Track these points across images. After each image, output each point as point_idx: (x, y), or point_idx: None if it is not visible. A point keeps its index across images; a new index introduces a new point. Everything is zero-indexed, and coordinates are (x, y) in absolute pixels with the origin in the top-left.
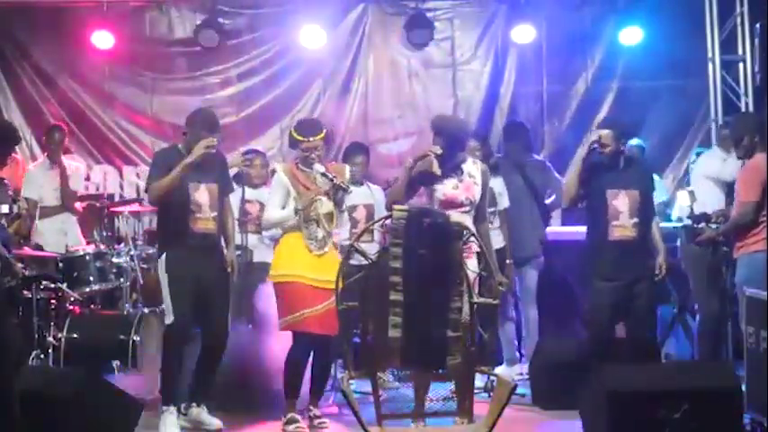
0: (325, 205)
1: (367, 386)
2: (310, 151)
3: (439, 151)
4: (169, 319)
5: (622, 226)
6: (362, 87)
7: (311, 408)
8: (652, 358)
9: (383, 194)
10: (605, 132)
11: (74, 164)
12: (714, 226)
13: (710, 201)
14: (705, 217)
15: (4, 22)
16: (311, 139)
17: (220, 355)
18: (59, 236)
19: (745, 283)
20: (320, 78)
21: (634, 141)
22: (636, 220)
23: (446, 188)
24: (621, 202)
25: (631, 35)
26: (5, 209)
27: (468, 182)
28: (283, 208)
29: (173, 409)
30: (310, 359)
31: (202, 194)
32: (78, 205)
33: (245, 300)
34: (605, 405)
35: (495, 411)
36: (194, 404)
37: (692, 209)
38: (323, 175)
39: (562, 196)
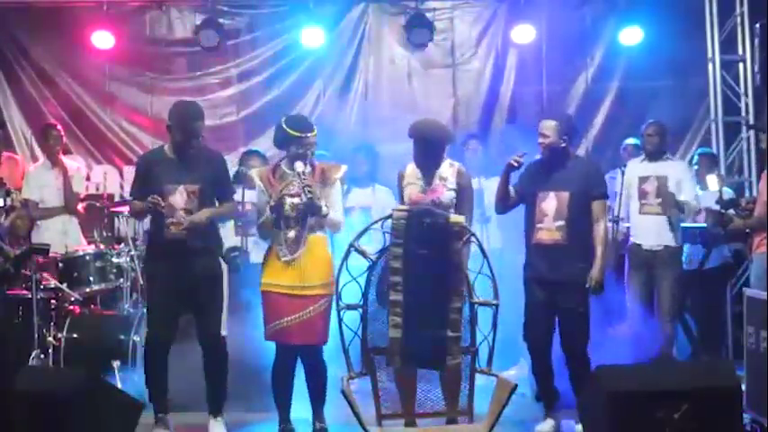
0: (296, 208)
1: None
2: (306, 148)
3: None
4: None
5: (547, 229)
6: (362, 87)
7: (315, 422)
8: (583, 369)
9: (391, 196)
10: (548, 123)
11: (74, 164)
12: (732, 212)
13: None
14: (734, 203)
15: (4, 22)
16: (308, 135)
17: (218, 361)
18: (60, 236)
19: (747, 283)
20: (320, 78)
21: (631, 141)
22: (562, 222)
23: (413, 191)
24: (548, 204)
25: (631, 35)
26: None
27: (437, 184)
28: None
29: (161, 416)
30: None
31: (178, 197)
32: (79, 206)
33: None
34: (605, 405)
35: (495, 411)
36: (211, 415)
37: (721, 193)
38: (298, 175)
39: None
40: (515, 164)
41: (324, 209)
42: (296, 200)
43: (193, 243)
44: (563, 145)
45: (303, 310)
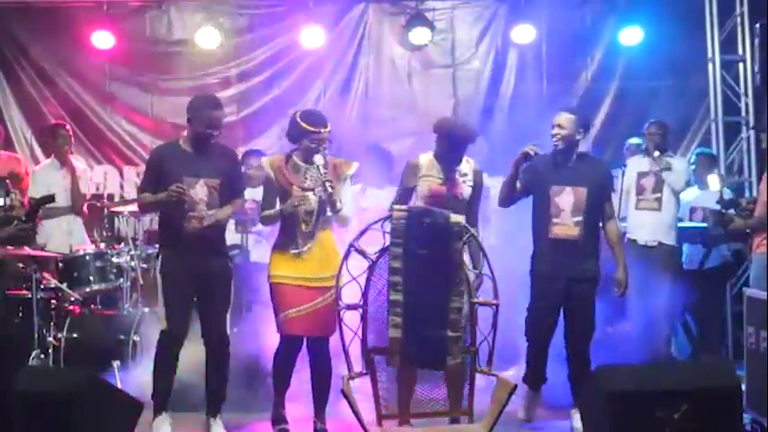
0: (310, 203)
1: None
2: (319, 143)
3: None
4: (163, 325)
5: (564, 224)
6: (362, 87)
7: (316, 421)
8: (583, 369)
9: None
10: (566, 115)
11: (81, 165)
12: (732, 212)
13: None
14: (734, 203)
15: (4, 22)
16: (322, 130)
17: (222, 360)
18: (65, 236)
19: (747, 283)
20: (320, 78)
21: (634, 140)
22: (579, 218)
23: (433, 183)
24: (565, 199)
25: (631, 35)
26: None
27: (457, 179)
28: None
29: (164, 416)
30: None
31: (200, 191)
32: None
33: (243, 299)
34: (605, 405)
35: (495, 411)
36: (210, 416)
37: (721, 193)
38: (318, 168)
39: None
40: (531, 152)
41: (338, 204)
42: (310, 194)
43: (212, 240)
44: (578, 138)
45: (313, 300)
